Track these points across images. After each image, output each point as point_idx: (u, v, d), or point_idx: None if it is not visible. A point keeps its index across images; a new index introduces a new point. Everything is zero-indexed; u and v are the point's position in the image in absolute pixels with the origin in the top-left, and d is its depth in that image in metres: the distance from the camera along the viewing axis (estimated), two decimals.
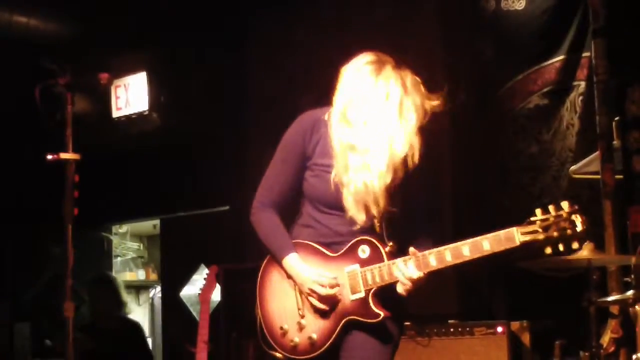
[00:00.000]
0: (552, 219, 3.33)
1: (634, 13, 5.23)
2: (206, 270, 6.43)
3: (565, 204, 3.34)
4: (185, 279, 8.66)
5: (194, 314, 8.44)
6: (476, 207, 6.07)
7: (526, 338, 5.32)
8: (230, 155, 7.59)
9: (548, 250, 3.33)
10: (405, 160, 3.51)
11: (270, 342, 3.62)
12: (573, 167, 5.21)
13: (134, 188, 8.41)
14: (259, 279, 3.72)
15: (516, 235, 3.35)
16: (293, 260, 3.59)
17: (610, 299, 4.45)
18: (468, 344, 5.29)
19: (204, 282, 6.36)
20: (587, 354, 4.37)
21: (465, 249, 3.40)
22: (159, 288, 10.49)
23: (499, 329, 5.24)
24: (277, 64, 7.00)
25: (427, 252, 3.44)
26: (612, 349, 4.50)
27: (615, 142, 5.04)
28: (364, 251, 3.54)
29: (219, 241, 7.67)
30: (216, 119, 7.72)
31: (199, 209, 8.20)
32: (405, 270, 3.44)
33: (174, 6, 7.42)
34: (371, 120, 3.52)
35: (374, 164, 3.49)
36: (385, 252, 3.52)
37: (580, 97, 5.63)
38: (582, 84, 5.61)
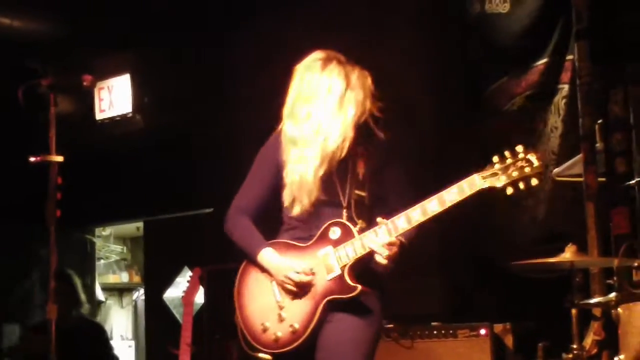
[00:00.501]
0: (509, 161, 3.42)
1: (616, 15, 5.24)
2: (190, 273, 6.42)
3: (519, 147, 3.44)
4: (168, 281, 8.64)
5: (177, 316, 8.43)
6: None
7: (509, 340, 5.32)
8: (214, 157, 7.57)
9: (509, 190, 3.42)
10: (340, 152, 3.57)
11: (252, 343, 3.63)
12: (556, 170, 5.20)
13: (118, 190, 8.38)
14: (236, 287, 3.76)
15: (478, 181, 3.43)
16: (267, 254, 3.64)
17: (592, 301, 4.44)
18: (451, 346, 5.29)
19: (187, 284, 6.35)
20: (569, 356, 4.37)
21: (432, 204, 3.47)
22: (142, 290, 10.48)
23: (482, 331, 5.25)
24: (261, 65, 6.98)
25: (395, 217, 3.49)
26: (595, 351, 4.49)
27: (598, 145, 5.04)
28: (334, 232, 3.59)
29: (203, 244, 7.64)
30: (200, 121, 7.70)
31: (183, 211, 8.19)
32: (377, 238, 3.47)
33: (158, 7, 7.39)
34: (313, 113, 3.58)
35: (309, 156, 3.57)
36: (355, 229, 3.57)
37: (564, 100, 5.62)
38: (566, 87, 5.60)
